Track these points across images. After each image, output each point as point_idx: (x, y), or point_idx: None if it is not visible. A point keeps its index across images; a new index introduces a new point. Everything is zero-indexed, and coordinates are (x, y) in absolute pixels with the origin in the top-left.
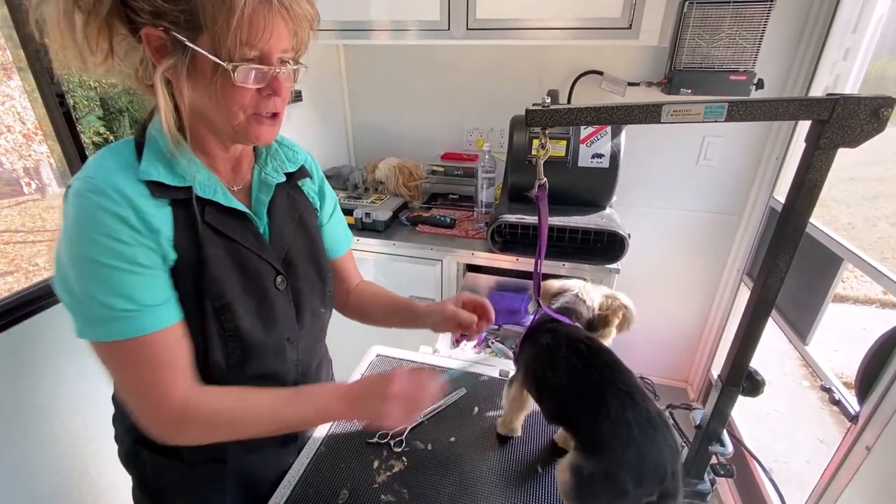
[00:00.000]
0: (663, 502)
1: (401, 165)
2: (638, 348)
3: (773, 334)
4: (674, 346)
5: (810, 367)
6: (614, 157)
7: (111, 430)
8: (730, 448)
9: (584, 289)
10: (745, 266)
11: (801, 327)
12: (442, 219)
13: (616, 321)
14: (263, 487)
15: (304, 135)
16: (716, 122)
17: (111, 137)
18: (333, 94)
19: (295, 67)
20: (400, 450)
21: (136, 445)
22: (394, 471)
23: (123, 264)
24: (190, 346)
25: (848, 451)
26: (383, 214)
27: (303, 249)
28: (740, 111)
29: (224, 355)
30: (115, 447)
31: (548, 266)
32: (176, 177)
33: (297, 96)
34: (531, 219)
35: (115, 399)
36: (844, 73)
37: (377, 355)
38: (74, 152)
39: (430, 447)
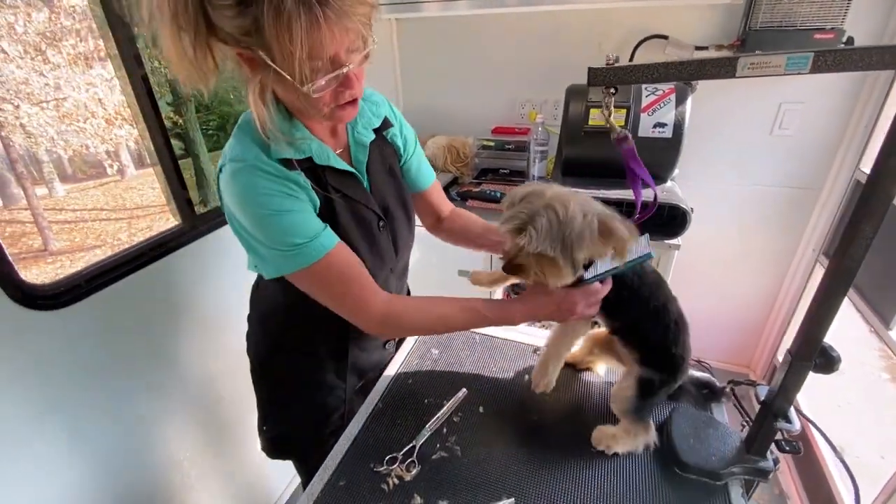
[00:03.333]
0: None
1: (449, 145)
2: (698, 330)
3: (851, 322)
4: (737, 329)
5: (893, 357)
6: (678, 127)
7: (238, 362)
8: (797, 425)
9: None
10: (822, 245)
11: (884, 310)
12: (492, 194)
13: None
14: (370, 372)
15: None
16: (799, 73)
17: (180, 121)
18: (387, 69)
19: (365, 53)
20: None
21: (271, 353)
22: (446, 430)
23: (286, 211)
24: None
25: None
26: None
27: (394, 195)
28: (827, 61)
29: None
30: (244, 375)
31: None
32: (298, 151)
33: None
34: (583, 192)
35: (249, 319)
36: None
37: None
38: (159, 135)
39: (482, 409)
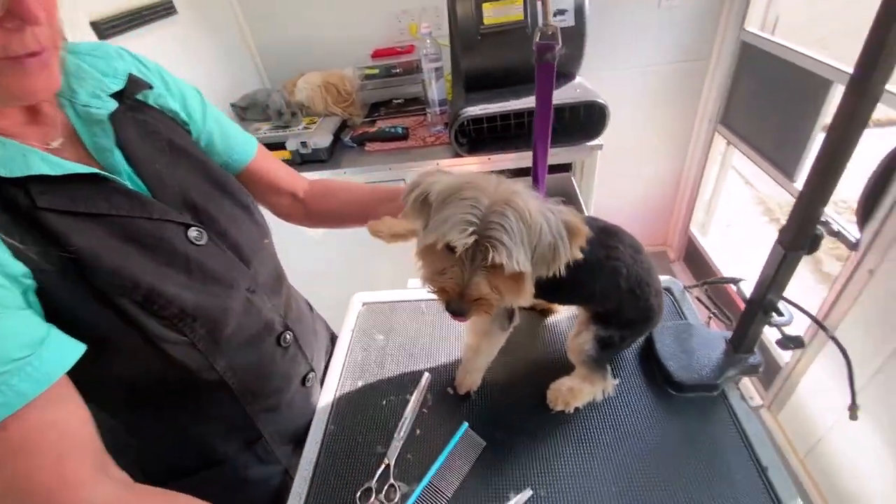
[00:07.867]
0: None
1: (325, 82)
2: (615, 218)
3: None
4: (650, 211)
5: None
6: (580, 12)
7: None
8: (789, 317)
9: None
10: (717, 114)
11: (787, 165)
12: (392, 130)
13: None
14: (307, 421)
15: (191, 62)
16: None
17: None
18: (222, 4)
19: None
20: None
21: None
22: (419, 430)
23: None
24: (89, 416)
25: (848, 280)
26: (322, 140)
27: (200, 181)
28: None
29: (189, 346)
30: None
31: (517, 159)
32: None
33: (168, 7)
34: (496, 108)
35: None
36: None
37: (364, 304)
38: None
39: (450, 390)
